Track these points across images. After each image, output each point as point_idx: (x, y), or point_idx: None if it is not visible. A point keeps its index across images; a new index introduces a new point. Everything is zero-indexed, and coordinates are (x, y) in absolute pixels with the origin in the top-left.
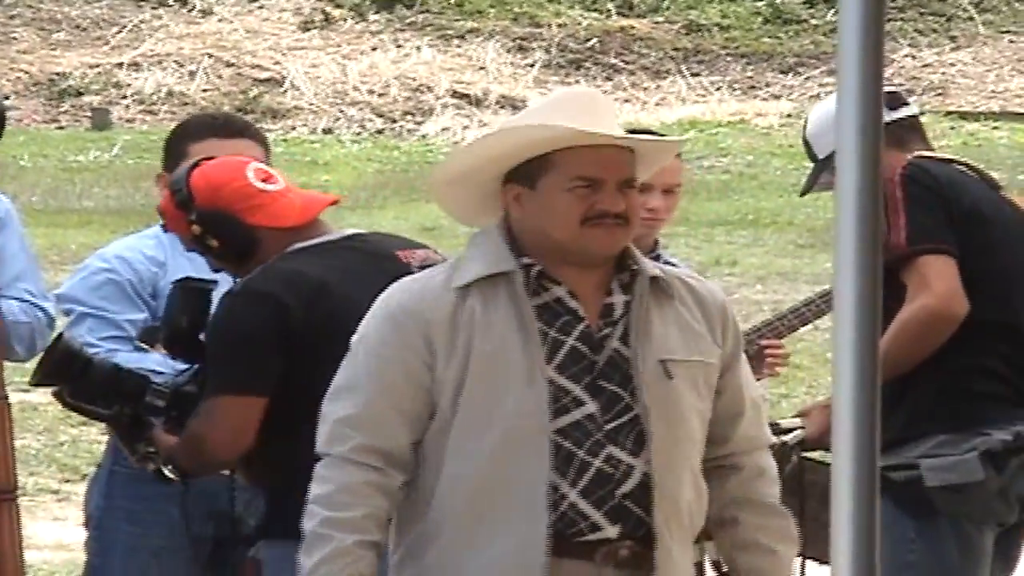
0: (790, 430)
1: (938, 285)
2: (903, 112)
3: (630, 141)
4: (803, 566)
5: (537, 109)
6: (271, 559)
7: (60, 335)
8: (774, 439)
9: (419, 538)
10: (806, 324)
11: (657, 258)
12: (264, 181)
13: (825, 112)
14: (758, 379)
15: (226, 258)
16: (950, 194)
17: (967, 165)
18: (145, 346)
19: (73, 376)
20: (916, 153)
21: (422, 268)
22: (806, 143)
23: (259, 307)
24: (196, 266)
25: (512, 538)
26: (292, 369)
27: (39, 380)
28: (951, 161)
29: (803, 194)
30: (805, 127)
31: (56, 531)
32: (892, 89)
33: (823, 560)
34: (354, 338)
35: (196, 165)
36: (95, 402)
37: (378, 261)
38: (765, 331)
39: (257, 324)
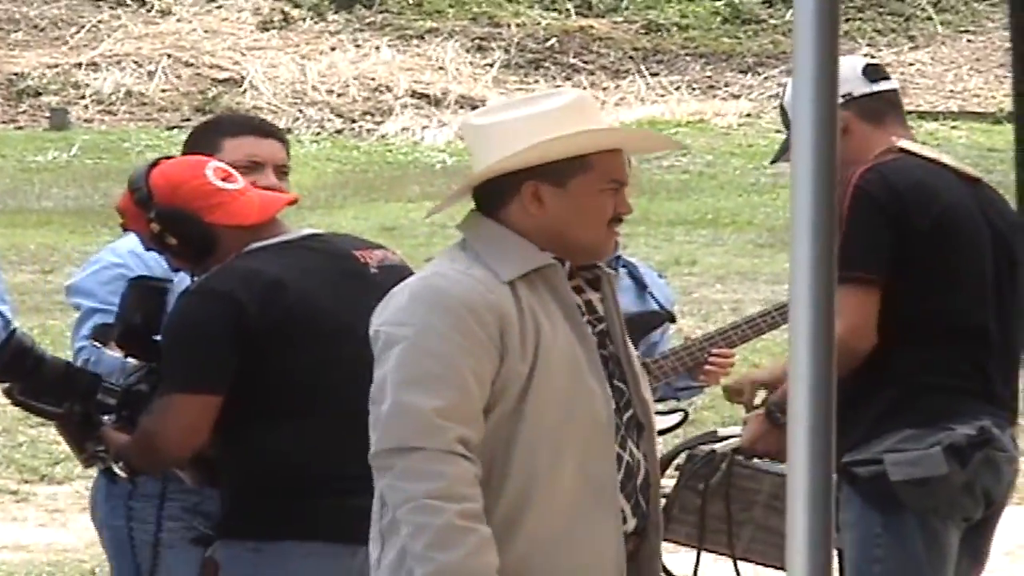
0: (727, 438)
1: (847, 318)
2: (883, 86)
3: (675, 146)
4: (697, 560)
5: (551, 111)
6: (227, 559)
7: (13, 331)
8: (704, 448)
9: (494, 524)
10: (760, 335)
11: (618, 259)
12: (224, 180)
13: None
14: (697, 386)
15: (184, 256)
16: (910, 206)
17: (943, 164)
18: (98, 344)
19: (25, 373)
20: (898, 144)
21: (380, 268)
22: (782, 110)
23: (214, 305)
24: None
25: (592, 534)
26: (247, 367)
27: None
28: (929, 159)
29: (773, 162)
30: (783, 94)
31: (14, 532)
32: (874, 63)
33: (768, 564)
34: (403, 330)
35: (156, 164)
36: (46, 399)
37: (336, 260)
38: (718, 339)
39: (212, 322)
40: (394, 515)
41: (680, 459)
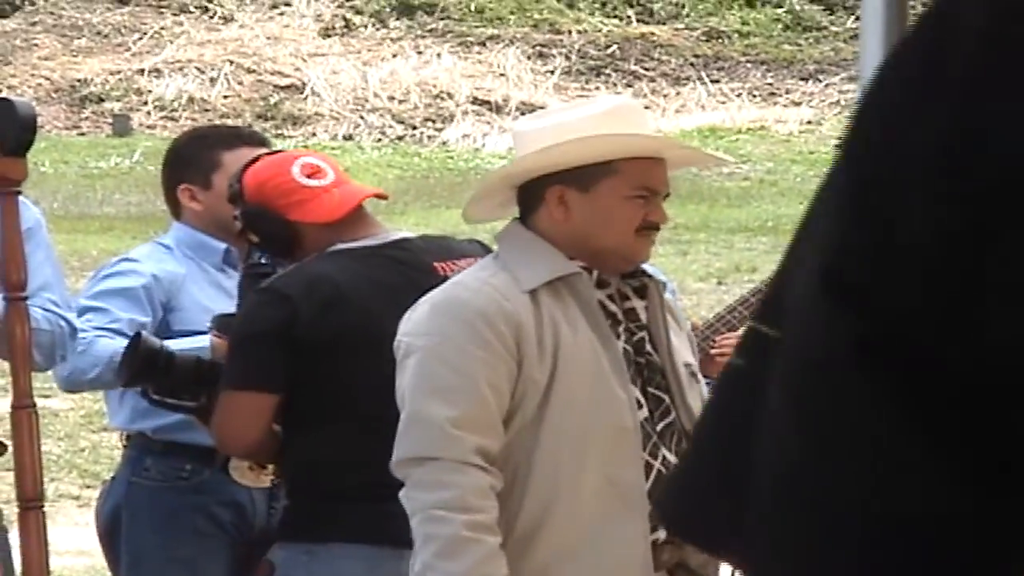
0: None
1: None
2: None
3: (718, 161)
4: None
5: (590, 116)
6: (282, 561)
7: (138, 334)
8: None
9: (513, 538)
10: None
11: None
12: (310, 176)
13: None
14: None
15: (269, 253)
16: None
17: None
18: (218, 335)
19: (159, 373)
20: None
21: None
22: None
23: (271, 307)
24: (213, 283)
25: (618, 541)
26: (298, 372)
27: (127, 382)
28: None
29: None
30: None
31: (77, 537)
32: None
33: None
34: (420, 340)
35: (255, 160)
36: (181, 395)
37: (415, 274)
38: (718, 326)
39: (267, 324)
40: (412, 525)
41: None
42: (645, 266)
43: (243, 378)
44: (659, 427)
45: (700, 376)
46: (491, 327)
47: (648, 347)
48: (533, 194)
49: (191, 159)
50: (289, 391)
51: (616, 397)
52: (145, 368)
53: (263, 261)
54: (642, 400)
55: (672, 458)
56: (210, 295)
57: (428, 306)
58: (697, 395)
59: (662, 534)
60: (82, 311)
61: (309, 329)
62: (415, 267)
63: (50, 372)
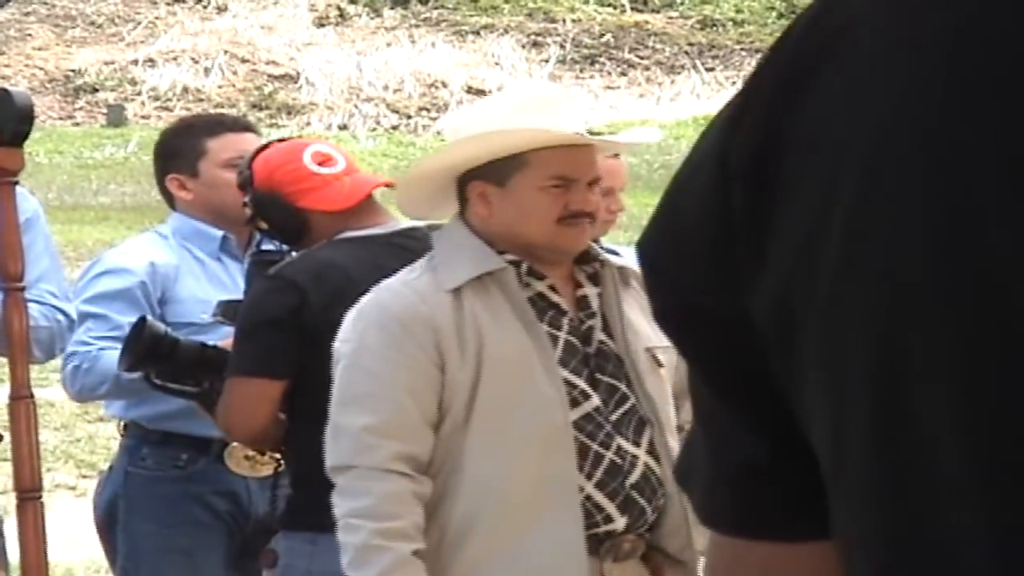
0: None
1: None
2: None
3: (616, 146)
4: None
5: (502, 109)
6: (285, 549)
7: (143, 319)
8: None
9: (445, 541)
10: None
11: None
12: (321, 164)
13: None
14: None
15: (279, 239)
16: None
17: None
18: (223, 320)
19: (162, 358)
20: None
21: None
22: None
23: (280, 293)
24: (209, 272)
25: (550, 536)
26: (308, 359)
27: (129, 367)
28: None
29: None
30: None
31: (72, 527)
32: None
33: None
34: (345, 347)
35: (265, 147)
36: (184, 381)
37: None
38: None
39: (274, 309)
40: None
41: None
42: (623, 252)
43: (251, 365)
44: (613, 416)
45: (663, 359)
46: (407, 331)
47: (600, 335)
48: (461, 191)
49: (177, 149)
50: (296, 379)
51: (543, 393)
52: (148, 353)
53: (271, 248)
54: (589, 391)
55: (630, 447)
56: (205, 287)
57: (354, 311)
58: (659, 380)
59: (620, 524)
60: (81, 318)
61: (318, 316)
62: (423, 255)
63: (48, 364)
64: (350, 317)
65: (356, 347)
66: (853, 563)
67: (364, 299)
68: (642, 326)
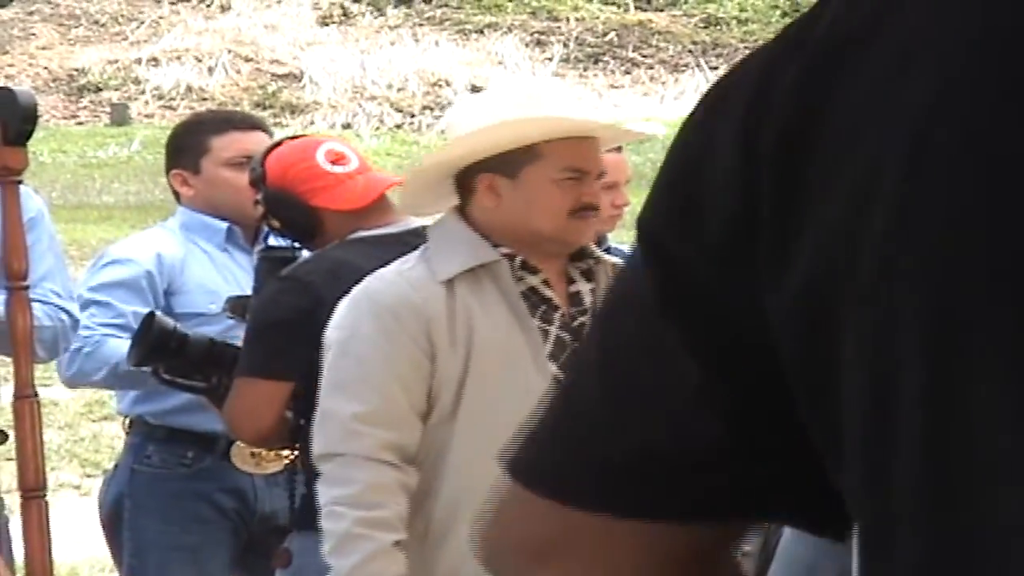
0: None
1: None
2: None
3: (627, 136)
4: None
5: (510, 101)
6: (299, 548)
7: (152, 314)
8: None
9: (431, 532)
10: None
11: (607, 250)
12: (334, 163)
13: None
14: None
15: (291, 238)
16: None
17: None
18: (233, 317)
19: (171, 354)
20: None
21: None
22: None
23: (293, 294)
24: (215, 263)
25: None
26: (317, 360)
27: (138, 361)
28: None
29: None
30: None
31: (76, 525)
32: None
33: None
34: (336, 335)
35: (277, 144)
36: (193, 376)
37: None
38: None
39: (289, 312)
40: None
41: None
42: (621, 248)
43: (260, 366)
44: None
45: None
46: (398, 321)
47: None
48: (465, 184)
49: (182, 145)
50: (309, 380)
51: (531, 387)
52: (157, 348)
53: (280, 243)
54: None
55: None
56: (213, 278)
57: (347, 300)
58: None
59: None
60: (85, 304)
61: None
62: None
63: (52, 364)
64: (343, 305)
65: (348, 335)
66: (889, 555)
67: (356, 288)
68: None
